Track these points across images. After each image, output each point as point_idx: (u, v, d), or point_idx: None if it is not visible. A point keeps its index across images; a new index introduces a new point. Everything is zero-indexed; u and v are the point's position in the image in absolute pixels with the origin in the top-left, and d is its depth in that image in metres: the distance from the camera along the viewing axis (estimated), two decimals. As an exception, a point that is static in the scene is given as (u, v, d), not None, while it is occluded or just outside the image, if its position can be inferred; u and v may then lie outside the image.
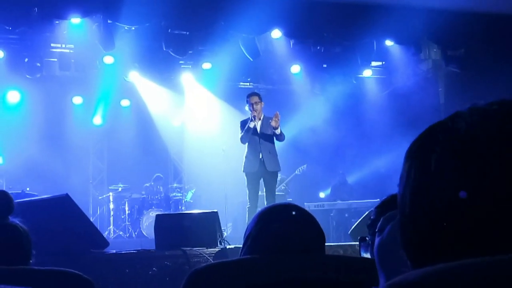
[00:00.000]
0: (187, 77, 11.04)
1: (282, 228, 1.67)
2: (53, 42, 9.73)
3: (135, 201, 10.46)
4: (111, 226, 10.11)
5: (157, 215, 5.87)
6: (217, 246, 5.38)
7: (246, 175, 7.29)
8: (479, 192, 0.65)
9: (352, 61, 10.04)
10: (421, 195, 0.70)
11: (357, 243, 1.54)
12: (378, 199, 1.66)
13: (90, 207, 11.21)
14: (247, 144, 7.29)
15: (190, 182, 11.55)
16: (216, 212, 5.76)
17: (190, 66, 10.82)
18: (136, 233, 10.00)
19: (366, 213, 6.20)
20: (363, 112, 11.80)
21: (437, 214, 0.67)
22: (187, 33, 9.00)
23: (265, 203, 7.04)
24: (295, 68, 10.70)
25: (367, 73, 11.23)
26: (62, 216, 4.88)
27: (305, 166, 10.56)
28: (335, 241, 8.16)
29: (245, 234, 1.74)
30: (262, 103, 7.36)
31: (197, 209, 8.62)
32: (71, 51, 9.96)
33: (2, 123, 10.20)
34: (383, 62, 11.08)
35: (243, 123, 7.34)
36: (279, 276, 1.54)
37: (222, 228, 5.96)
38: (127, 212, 10.25)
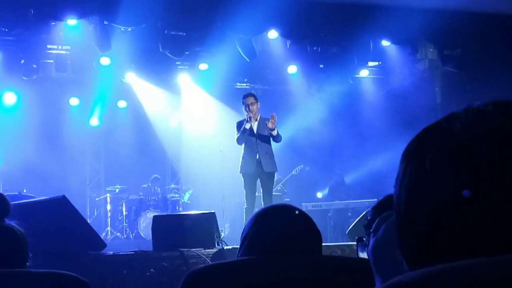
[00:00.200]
0: (183, 78, 11.03)
1: (279, 228, 1.67)
2: (49, 43, 9.71)
3: (133, 202, 10.45)
4: (109, 228, 10.09)
5: (154, 216, 5.86)
6: (215, 247, 5.38)
7: (243, 176, 7.29)
8: (475, 192, 0.65)
9: (348, 61, 10.05)
10: (417, 195, 0.70)
11: (355, 243, 1.54)
12: (376, 199, 1.67)
13: (87, 208, 11.19)
14: (243, 145, 7.29)
15: (188, 183, 11.54)
16: (214, 213, 5.76)
17: (186, 67, 10.82)
18: (133, 234, 9.98)
19: (364, 213, 6.21)
20: (360, 112, 11.81)
21: (432, 214, 0.67)
22: (184, 34, 9.00)
23: (262, 204, 7.04)
24: (292, 69, 10.70)
25: (363, 73, 11.25)
26: (59, 217, 4.87)
27: (302, 166, 10.57)
28: (333, 241, 8.16)
29: (242, 235, 1.74)
30: (258, 103, 7.36)
31: (194, 210, 8.61)
32: (67, 52, 9.95)
33: (-2, 125, 10.19)
34: (380, 62, 11.09)
35: (239, 124, 7.34)
36: (277, 277, 1.54)
37: (220, 229, 5.95)
38: (124, 213, 10.24)
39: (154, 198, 10.38)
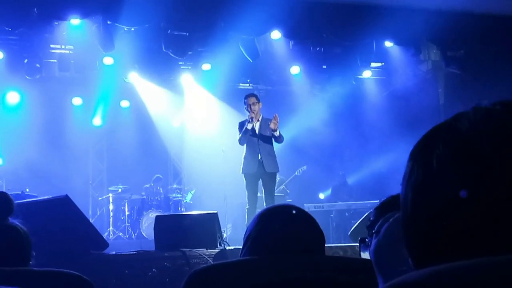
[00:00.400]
0: (186, 78, 11.04)
1: (282, 228, 1.67)
2: (52, 43, 9.72)
3: (135, 202, 10.46)
4: (111, 227, 10.10)
5: (156, 216, 5.87)
6: (217, 247, 5.38)
7: (244, 176, 7.28)
8: (480, 191, 0.65)
9: (351, 62, 10.05)
10: (423, 193, 0.70)
11: (357, 244, 1.54)
12: (378, 200, 1.67)
13: (90, 208, 11.20)
14: (245, 145, 7.29)
15: (190, 183, 11.54)
16: (216, 213, 5.77)
17: (189, 67, 10.82)
18: (135, 234, 9.99)
19: (366, 214, 6.21)
20: (362, 113, 11.80)
21: (438, 213, 0.67)
22: (187, 34, 9.01)
23: (264, 204, 7.04)
24: (295, 69, 10.70)
25: (366, 74, 11.24)
26: (62, 217, 4.88)
27: (305, 167, 10.57)
28: (335, 242, 8.16)
29: (245, 235, 1.74)
30: (260, 104, 7.36)
31: (196, 210, 8.61)
32: (70, 52, 9.96)
33: (1, 124, 10.20)
34: (383, 63, 11.07)
35: (241, 125, 7.34)
36: (279, 277, 1.55)
37: (222, 229, 5.95)
38: (126, 213, 10.25)
39: (156, 198, 10.39)
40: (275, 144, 7.38)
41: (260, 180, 7.33)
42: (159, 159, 11.82)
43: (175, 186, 11.30)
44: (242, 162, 7.30)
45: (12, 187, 8.32)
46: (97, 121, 11.23)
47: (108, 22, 8.58)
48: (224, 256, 5.14)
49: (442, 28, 9.11)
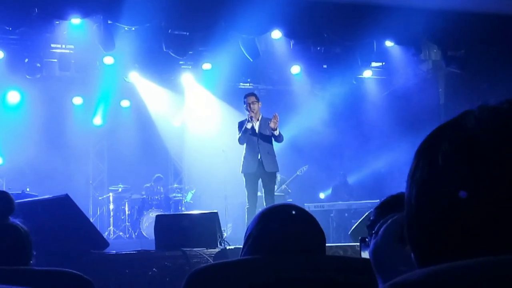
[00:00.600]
0: (187, 78, 11.04)
1: (283, 228, 1.67)
2: (53, 42, 9.72)
3: (135, 202, 10.46)
4: (111, 227, 10.11)
5: (157, 216, 5.87)
6: (217, 246, 5.39)
7: (244, 176, 7.28)
8: (482, 189, 0.65)
9: (352, 61, 10.04)
10: (427, 190, 0.70)
11: (357, 244, 1.54)
12: (378, 200, 1.67)
13: (90, 207, 11.21)
14: (245, 145, 7.29)
15: (190, 182, 11.55)
16: (216, 212, 5.77)
17: (190, 67, 10.82)
18: (136, 234, 10.00)
19: (366, 213, 6.20)
20: (363, 112, 11.80)
21: (442, 210, 0.67)
22: (187, 33, 9.00)
23: (264, 204, 7.04)
24: (295, 69, 10.70)
25: (367, 73, 11.23)
26: (62, 216, 4.88)
27: (306, 166, 10.56)
28: (335, 242, 8.16)
29: (245, 235, 1.74)
30: (260, 103, 7.36)
31: (197, 209, 8.62)
32: (71, 51, 9.96)
33: (2, 124, 10.20)
34: (383, 63, 11.07)
35: (241, 124, 7.34)
36: (280, 276, 1.55)
37: (222, 229, 5.96)
38: (127, 212, 10.25)
39: (156, 197, 10.40)
40: (275, 144, 7.37)
41: (260, 180, 7.33)
42: (160, 159, 11.82)
43: (175, 185, 11.31)
44: (242, 162, 7.30)
45: (12, 187, 8.32)
46: (97, 120, 11.24)
47: (109, 22, 8.58)
48: (225, 256, 5.15)
49: (442, 27, 9.11)
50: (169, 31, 8.90)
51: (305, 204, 9.79)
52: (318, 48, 10.02)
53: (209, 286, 1.56)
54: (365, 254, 1.54)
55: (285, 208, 1.76)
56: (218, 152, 9.31)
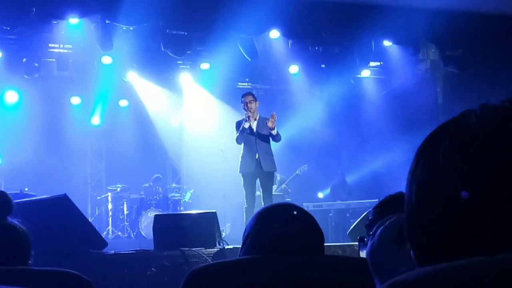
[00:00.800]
0: (185, 77, 11.04)
1: (281, 227, 1.67)
2: (51, 42, 9.72)
3: (134, 202, 10.45)
4: (110, 227, 10.10)
5: (155, 216, 5.87)
6: (216, 246, 5.38)
7: (242, 176, 7.28)
8: (482, 189, 0.65)
9: (350, 61, 10.04)
10: (427, 190, 0.69)
11: (356, 243, 1.54)
12: (377, 200, 1.67)
13: (89, 207, 11.20)
14: (243, 144, 7.28)
15: (189, 182, 11.54)
16: (215, 212, 5.77)
17: (188, 66, 10.82)
18: (134, 234, 9.99)
19: (365, 213, 6.21)
20: (361, 112, 11.81)
21: (442, 209, 0.67)
22: (186, 33, 9.00)
23: (262, 204, 7.03)
24: (293, 68, 10.70)
25: (365, 73, 11.24)
26: (61, 216, 4.88)
27: (306, 166, 10.56)
28: (334, 242, 8.16)
29: (244, 234, 1.74)
30: (257, 102, 7.36)
31: (195, 209, 8.61)
32: (69, 51, 9.96)
33: (0, 124, 10.19)
34: (381, 62, 11.09)
35: (238, 124, 7.34)
36: (279, 276, 1.55)
37: (221, 229, 5.96)
38: (125, 212, 10.24)
39: (155, 197, 10.39)
40: (272, 143, 7.37)
41: (258, 179, 7.32)
42: (158, 159, 11.82)
43: (174, 185, 11.30)
44: (240, 161, 7.30)
45: (10, 186, 8.31)
46: (95, 120, 11.23)
47: (107, 21, 8.57)
48: (223, 255, 5.14)
49: (440, 27, 9.12)
50: (167, 31, 8.90)
51: (304, 203, 9.79)
52: (316, 48, 10.02)
53: (207, 286, 1.56)
54: (364, 254, 1.54)
55: (283, 208, 1.75)
56: (217, 152, 9.31)
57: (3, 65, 9.46)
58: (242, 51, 9.39)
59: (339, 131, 11.74)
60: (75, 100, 11.04)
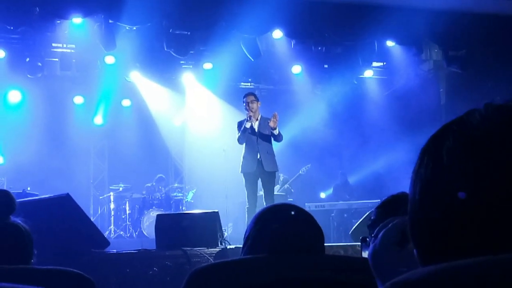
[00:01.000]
0: (188, 77, 11.04)
1: (281, 228, 1.67)
2: (54, 41, 9.73)
3: (136, 201, 10.46)
4: (112, 226, 10.11)
5: (157, 215, 5.87)
6: (218, 246, 5.39)
7: (244, 176, 7.27)
8: (486, 188, 0.64)
9: (353, 61, 10.04)
10: (431, 188, 0.69)
11: (358, 243, 1.54)
12: (379, 200, 1.67)
13: (91, 206, 11.22)
14: (244, 144, 7.28)
15: (191, 182, 11.55)
16: (217, 212, 5.77)
17: (191, 66, 10.82)
18: (136, 233, 10.00)
19: (367, 213, 6.21)
20: (364, 112, 11.80)
21: (445, 209, 0.67)
22: (188, 33, 9.01)
23: (264, 204, 7.03)
24: (296, 69, 10.69)
25: (368, 73, 11.23)
26: (63, 215, 4.89)
27: (309, 165, 10.55)
28: (336, 242, 8.16)
29: (245, 235, 1.75)
30: (259, 102, 7.36)
31: (197, 209, 8.61)
32: (72, 51, 9.97)
33: (3, 123, 10.21)
34: (384, 63, 11.08)
35: (240, 124, 7.33)
36: (280, 276, 1.55)
37: (223, 228, 5.96)
38: (127, 212, 10.25)
39: (157, 197, 10.40)
40: (274, 143, 7.37)
41: (260, 179, 7.32)
42: (160, 158, 11.83)
43: (176, 185, 11.31)
44: (241, 161, 7.30)
45: (13, 186, 8.33)
46: (98, 120, 11.24)
47: (110, 21, 8.58)
48: (225, 255, 5.15)
49: (443, 27, 9.11)
50: (170, 31, 8.91)
51: (306, 203, 9.79)
52: (319, 48, 10.02)
53: (209, 286, 1.57)
54: (366, 254, 1.54)
55: (283, 208, 1.76)
56: (219, 152, 9.31)
57: (6, 65, 9.48)
58: (245, 51, 9.39)
59: (342, 131, 11.73)
60: (78, 100, 11.05)
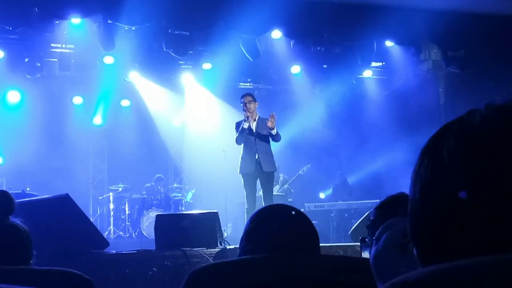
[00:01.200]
0: (187, 77, 11.04)
1: (276, 228, 1.68)
2: (53, 42, 9.73)
3: (135, 201, 10.46)
4: (111, 226, 10.11)
5: (157, 215, 5.87)
6: (217, 246, 5.39)
7: (242, 176, 7.28)
8: (486, 188, 0.64)
9: (352, 61, 10.05)
10: (431, 188, 0.69)
11: (357, 243, 1.54)
12: (378, 200, 1.67)
13: (90, 207, 11.21)
14: (242, 145, 7.29)
15: (190, 182, 11.55)
16: (216, 212, 5.77)
17: (190, 66, 10.82)
18: (136, 233, 10.00)
19: (366, 213, 6.21)
20: (363, 112, 11.80)
21: (445, 209, 0.67)
22: (187, 33, 9.01)
23: (263, 204, 7.02)
24: (295, 69, 10.70)
25: (367, 73, 11.24)
26: (62, 216, 4.88)
27: (308, 166, 10.55)
28: (335, 242, 8.15)
29: (242, 235, 1.75)
30: (256, 103, 7.37)
31: (197, 209, 8.61)
32: (71, 51, 9.97)
33: (2, 123, 10.20)
34: (383, 63, 11.08)
35: (238, 125, 7.34)
36: (280, 276, 1.55)
37: (222, 229, 5.96)
38: (127, 212, 10.25)
39: (157, 197, 10.40)
40: (272, 143, 7.37)
41: (259, 180, 7.32)
42: (160, 159, 11.82)
43: (175, 185, 11.31)
44: (240, 162, 7.30)
45: (12, 186, 8.32)
46: (97, 120, 11.23)
47: (109, 21, 8.58)
48: (225, 255, 5.15)
49: (442, 27, 9.11)
50: (169, 31, 8.91)
51: (305, 204, 9.79)
52: (318, 48, 10.03)
53: (209, 286, 1.57)
54: (366, 254, 1.54)
55: (277, 209, 1.77)
56: (218, 152, 9.31)
57: (5, 65, 9.47)
58: (244, 51, 9.39)
59: (341, 132, 11.73)
60: (77, 100, 11.05)
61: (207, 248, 5.27)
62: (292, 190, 10.61)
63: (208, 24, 8.72)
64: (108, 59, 9.74)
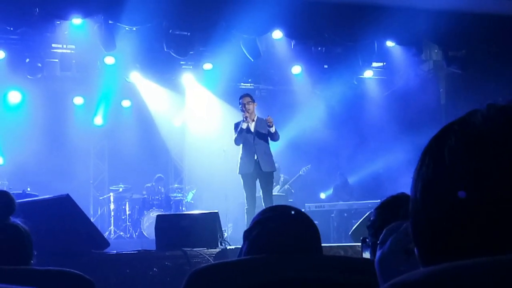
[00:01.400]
0: (188, 78, 11.04)
1: (279, 229, 1.68)
2: (54, 42, 9.74)
3: (136, 202, 10.46)
4: (112, 227, 10.11)
5: (157, 216, 5.88)
6: (218, 246, 5.39)
7: (242, 177, 7.27)
8: (487, 188, 0.64)
9: (353, 61, 10.04)
10: (432, 188, 0.69)
11: (358, 244, 1.54)
12: (379, 200, 1.67)
13: (91, 207, 11.21)
14: (241, 145, 7.29)
15: (191, 182, 11.55)
16: (217, 212, 5.77)
17: (191, 67, 10.82)
18: (136, 234, 10.00)
19: (367, 214, 6.20)
20: (364, 112, 11.80)
21: (446, 209, 0.67)
22: (188, 33, 9.01)
23: (263, 204, 7.02)
24: (296, 69, 10.69)
25: (368, 73, 11.23)
26: (63, 216, 4.89)
27: (309, 166, 10.55)
28: (336, 242, 8.15)
29: (243, 236, 1.75)
30: (255, 103, 7.37)
31: (197, 209, 8.62)
32: (72, 51, 9.97)
33: (3, 124, 10.21)
34: (384, 63, 11.08)
35: (237, 125, 7.34)
36: (280, 276, 1.55)
37: (223, 229, 5.96)
38: (127, 212, 10.25)
39: (157, 197, 10.40)
40: (271, 144, 7.36)
41: (258, 180, 7.31)
42: (160, 159, 11.83)
43: (176, 185, 11.31)
44: (239, 163, 7.30)
45: (13, 186, 8.32)
46: (98, 120, 11.24)
47: (110, 22, 8.58)
48: (225, 256, 5.15)
49: (443, 28, 9.11)
50: (170, 31, 8.91)
51: (306, 204, 9.79)
52: (319, 48, 10.02)
53: (209, 286, 1.57)
54: (366, 254, 1.54)
55: (280, 209, 1.77)
56: (219, 152, 9.31)
57: (6, 66, 9.48)
58: (245, 52, 9.39)
59: (342, 132, 11.73)
60: (78, 100, 11.05)
61: (207, 249, 5.27)
62: (292, 191, 10.60)
63: (209, 25, 8.72)
64: (109, 60, 9.75)
